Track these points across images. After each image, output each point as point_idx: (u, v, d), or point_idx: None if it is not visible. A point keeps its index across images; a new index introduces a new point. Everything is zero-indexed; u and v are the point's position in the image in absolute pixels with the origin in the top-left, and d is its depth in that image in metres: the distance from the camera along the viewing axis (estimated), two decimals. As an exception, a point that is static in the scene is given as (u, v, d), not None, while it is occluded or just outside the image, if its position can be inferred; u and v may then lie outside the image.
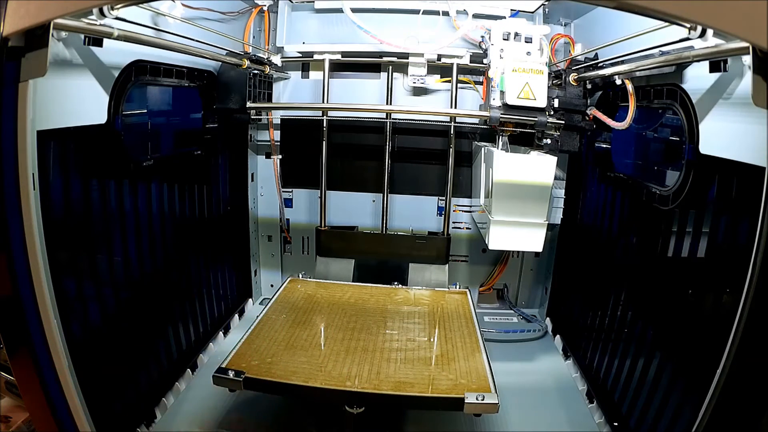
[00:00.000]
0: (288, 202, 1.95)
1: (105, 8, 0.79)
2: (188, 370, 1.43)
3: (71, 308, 0.93)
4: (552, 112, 1.35)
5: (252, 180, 1.90)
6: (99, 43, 0.94)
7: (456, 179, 1.78)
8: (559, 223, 1.63)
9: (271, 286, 2.03)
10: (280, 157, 1.90)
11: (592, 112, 1.36)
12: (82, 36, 0.90)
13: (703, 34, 0.74)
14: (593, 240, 1.53)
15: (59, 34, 0.83)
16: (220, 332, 1.65)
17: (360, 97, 1.81)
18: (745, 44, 0.68)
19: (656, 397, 1.05)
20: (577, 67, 1.39)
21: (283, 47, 1.77)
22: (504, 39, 1.33)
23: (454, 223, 1.87)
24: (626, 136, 1.41)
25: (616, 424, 1.22)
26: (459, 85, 1.69)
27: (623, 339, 1.26)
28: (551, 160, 1.30)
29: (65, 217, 0.95)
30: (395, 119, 1.75)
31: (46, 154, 0.86)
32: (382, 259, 1.79)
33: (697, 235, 0.99)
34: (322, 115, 1.72)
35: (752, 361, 0.71)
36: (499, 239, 1.36)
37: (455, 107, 1.69)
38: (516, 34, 1.32)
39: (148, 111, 1.35)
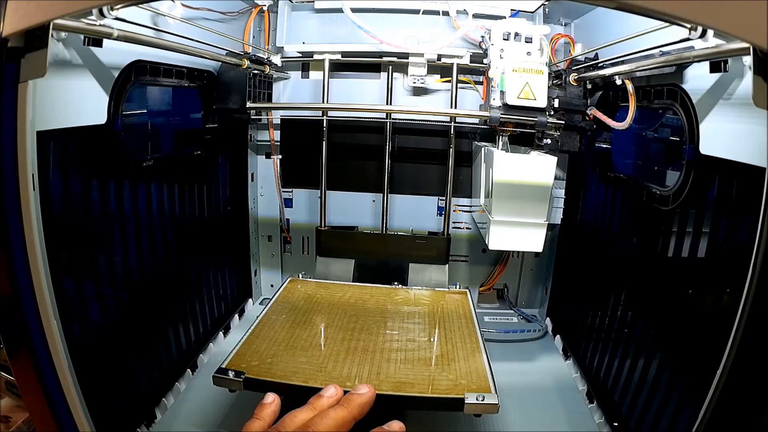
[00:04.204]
0: (288, 202, 1.95)
1: (105, 8, 0.78)
2: (188, 370, 1.43)
3: (71, 308, 0.93)
4: (552, 112, 1.35)
5: (252, 180, 1.90)
6: (99, 43, 0.93)
7: (456, 179, 1.77)
8: (559, 223, 1.63)
9: (271, 286, 2.03)
10: (280, 157, 1.90)
11: (593, 112, 1.36)
12: (82, 36, 0.90)
13: (703, 35, 0.73)
14: (593, 240, 1.53)
15: (59, 34, 0.83)
16: (220, 332, 1.65)
17: (360, 97, 1.81)
18: (745, 45, 0.67)
19: (656, 397, 1.05)
20: (578, 67, 1.38)
21: (283, 47, 1.76)
22: (504, 39, 1.32)
23: (454, 223, 1.87)
24: (626, 137, 1.41)
25: (616, 424, 1.22)
26: (459, 85, 1.69)
27: (623, 339, 1.25)
28: (551, 160, 1.29)
29: (65, 217, 0.94)
30: (395, 119, 1.75)
31: (45, 155, 0.85)
32: (382, 259, 1.78)
33: (697, 236, 0.99)
34: (322, 115, 1.72)
35: (752, 361, 0.71)
36: (499, 239, 1.36)
37: (455, 107, 1.69)
38: (516, 34, 1.32)
39: (148, 111, 1.34)
